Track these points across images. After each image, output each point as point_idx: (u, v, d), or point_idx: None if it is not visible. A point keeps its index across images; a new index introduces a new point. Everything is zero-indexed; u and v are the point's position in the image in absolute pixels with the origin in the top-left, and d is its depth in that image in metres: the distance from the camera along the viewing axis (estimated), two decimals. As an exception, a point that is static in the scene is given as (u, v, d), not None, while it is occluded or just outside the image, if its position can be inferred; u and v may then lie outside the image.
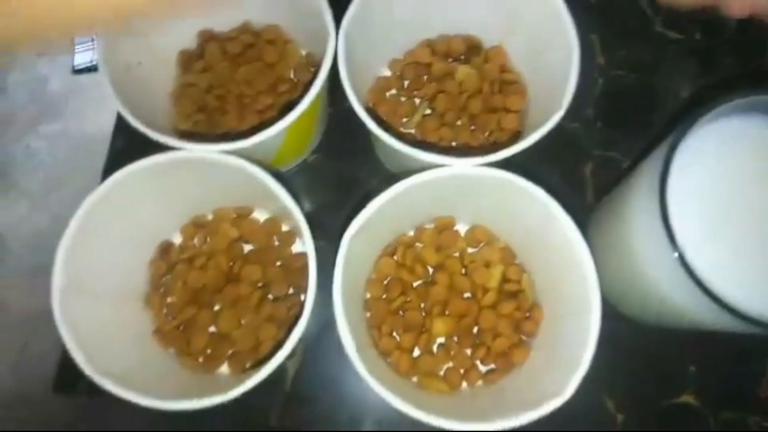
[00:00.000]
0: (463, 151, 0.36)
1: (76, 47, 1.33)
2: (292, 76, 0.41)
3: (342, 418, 0.38)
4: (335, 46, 0.33)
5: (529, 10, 0.35)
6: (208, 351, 0.36)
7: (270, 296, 0.37)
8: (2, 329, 1.13)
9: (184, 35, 0.40)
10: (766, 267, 0.27)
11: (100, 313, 0.32)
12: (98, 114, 1.27)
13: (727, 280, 0.25)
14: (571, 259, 0.31)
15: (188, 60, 0.40)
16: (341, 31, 0.32)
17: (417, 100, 0.40)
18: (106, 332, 0.32)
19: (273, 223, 0.39)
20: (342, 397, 0.38)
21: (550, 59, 0.35)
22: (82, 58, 1.33)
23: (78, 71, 1.33)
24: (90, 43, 1.34)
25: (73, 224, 0.30)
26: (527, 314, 0.36)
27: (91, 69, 1.31)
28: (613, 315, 0.39)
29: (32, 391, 1.05)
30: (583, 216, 0.40)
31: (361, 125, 0.42)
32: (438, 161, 0.31)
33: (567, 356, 0.30)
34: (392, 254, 0.38)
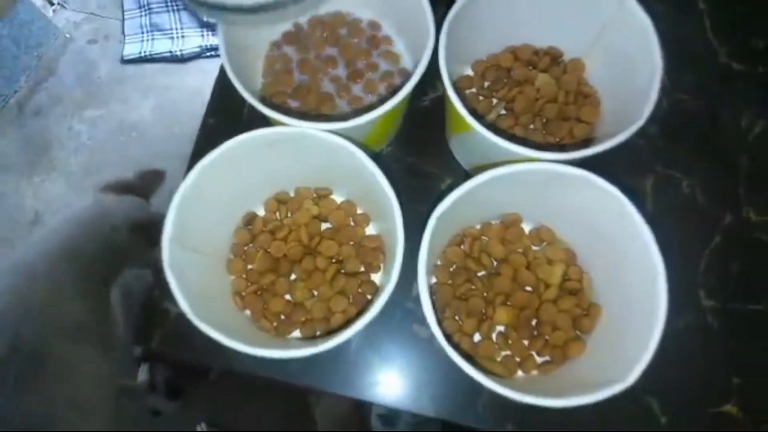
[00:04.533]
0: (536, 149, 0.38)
1: (126, 38, 1.38)
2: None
3: (402, 389, 0.40)
4: (435, 41, 0.35)
5: (616, 28, 0.37)
6: (283, 317, 0.39)
7: (342, 271, 0.40)
8: (26, 288, 1.15)
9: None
10: None
11: (196, 264, 0.34)
12: (141, 104, 1.31)
13: None
14: (641, 257, 0.33)
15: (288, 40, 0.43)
16: (444, 28, 0.35)
17: (494, 100, 0.43)
18: (200, 283, 0.34)
19: (349, 205, 0.41)
20: (401, 372, 0.40)
21: (630, 76, 0.37)
22: (131, 49, 1.36)
23: (127, 61, 1.36)
24: (140, 35, 1.38)
25: (186, 182, 0.33)
26: (585, 312, 0.38)
27: (140, 60, 1.35)
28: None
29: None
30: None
31: (435, 123, 0.44)
32: (527, 154, 0.33)
33: (631, 347, 0.32)
34: (459, 244, 0.41)
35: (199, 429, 0.68)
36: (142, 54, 1.35)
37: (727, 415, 0.40)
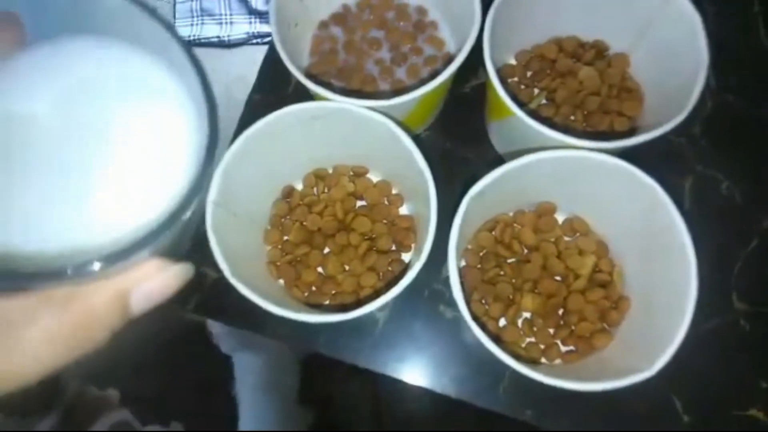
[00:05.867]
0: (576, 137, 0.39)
1: (176, 21, 1.41)
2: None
3: (425, 368, 0.41)
4: (481, 28, 0.36)
5: (663, 23, 0.37)
6: (314, 288, 0.40)
7: (374, 249, 0.41)
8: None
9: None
10: None
11: (236, 230, 0.36)
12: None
13: None
14: (674, 248, 0.33)
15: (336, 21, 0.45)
16: (490, 14, 0.36)
17: (536, 90, 0.43)
18: (239, 248, 0.35)
19: (385, 184, 0.42)
20: (425, 351, 0.41)
21: (675, 71, 0.37)
22: (181, 33, 1.39)
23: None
24: (190, 20, 1.41)
25: (232, 149, 0.34)
26: (614, 305, 0.38)
27: (188, 44, 1.38)
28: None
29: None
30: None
31: (475, 110, 0.45)
32: (566, 140, 0.33)
33: (658, 338, 0.32)
34: (491, 230, 0.41)
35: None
36: (191, 38, 1.38)
37: (753, 419, 0.39)
